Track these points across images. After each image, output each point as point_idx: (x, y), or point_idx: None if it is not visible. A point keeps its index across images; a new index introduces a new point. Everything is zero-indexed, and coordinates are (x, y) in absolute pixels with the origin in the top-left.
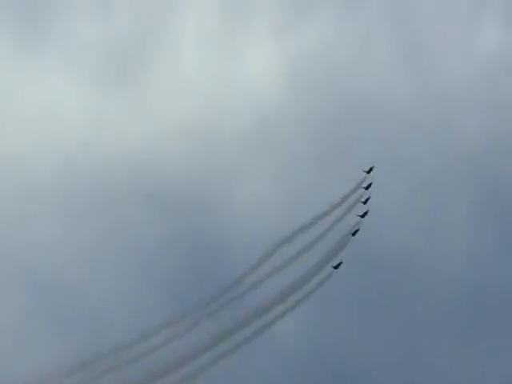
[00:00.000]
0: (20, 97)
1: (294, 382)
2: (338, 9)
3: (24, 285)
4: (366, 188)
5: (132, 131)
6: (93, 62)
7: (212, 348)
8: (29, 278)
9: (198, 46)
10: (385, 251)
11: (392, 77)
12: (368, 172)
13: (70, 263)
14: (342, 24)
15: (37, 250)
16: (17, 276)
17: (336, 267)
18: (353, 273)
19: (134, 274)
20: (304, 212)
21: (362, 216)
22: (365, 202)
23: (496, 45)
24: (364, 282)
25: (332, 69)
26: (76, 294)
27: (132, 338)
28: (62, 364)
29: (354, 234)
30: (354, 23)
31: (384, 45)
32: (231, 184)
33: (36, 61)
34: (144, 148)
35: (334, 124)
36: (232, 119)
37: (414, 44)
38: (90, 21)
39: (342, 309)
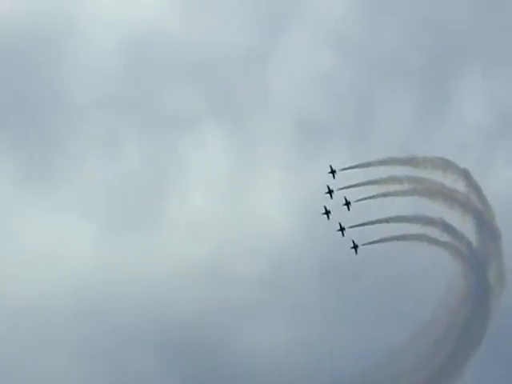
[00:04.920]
0: (26, 237)
1: None
2: (349, 141)
3: None
4: None
5: (142, 274)
6: (102, 203)
7: None
8: None
9: (208, 188)
10: None
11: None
12: None
13: None
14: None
15: None
16: None
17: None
18: None
19: None
20: (315, 358)
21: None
22: None
23: None
24: None
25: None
26: None
27: None
28: None
29: None
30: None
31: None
32: (243, 328)
33: (44, 201)
34: (154, 290)
35: (347, 268)
36: (243, 261)
37: None
38: (99, 161)
39: None
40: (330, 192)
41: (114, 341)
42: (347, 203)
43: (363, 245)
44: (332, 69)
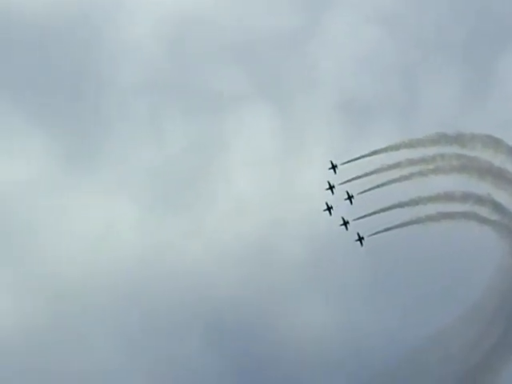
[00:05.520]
0: (72, 219)
1: None
2: (395, 120)
3: None
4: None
5: (186, 256)
6: (147, 185)
7: None
8: None
9: (253, 170)
10: None
11: None
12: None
13: None
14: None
15: (94, 375)
16: None
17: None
18: None
19: None
20: (359, 338)
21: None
22: None
23: None
24: None
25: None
26: None
27: None
28: None
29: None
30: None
31: None
32: (288, 309)
33: (89, 183)
34: (198, 272)
35: (389, 252)
36: (288, 243)
37: None
38: (144, 143)
39: None
40: (331, 188)
41: (157, 323)
42: (350, 197)
43: (380, 232)
44: (377, 47)
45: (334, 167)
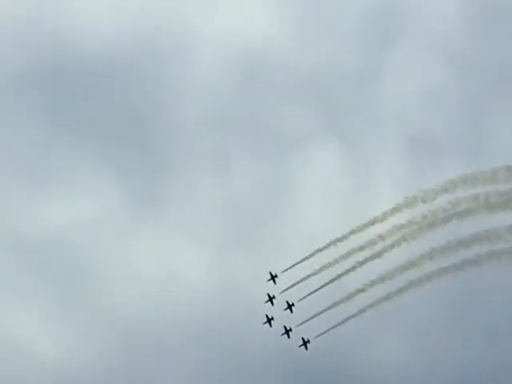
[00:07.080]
0: (140, 261)
1: None
2: (462, 155)
3: None
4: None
5: (257, 295)
6: (215, 224)
7: None
8: None
9: (321, 207)
10: None
11: None
12: None
13: None
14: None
15: None
16: None
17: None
18: None
19: None
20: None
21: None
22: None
23: None
24: None
25: None
26: None
27: None
28: None
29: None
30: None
31: None
32: (364, 350)
33: (156, 224)
34: (272, 311)
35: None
36: (361, 280)
37: None
38: (210, 182)
39: None
40: (271, 299)
41: (231, 363)
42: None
43: None
44: (443, 82)
45: (273, 278)
